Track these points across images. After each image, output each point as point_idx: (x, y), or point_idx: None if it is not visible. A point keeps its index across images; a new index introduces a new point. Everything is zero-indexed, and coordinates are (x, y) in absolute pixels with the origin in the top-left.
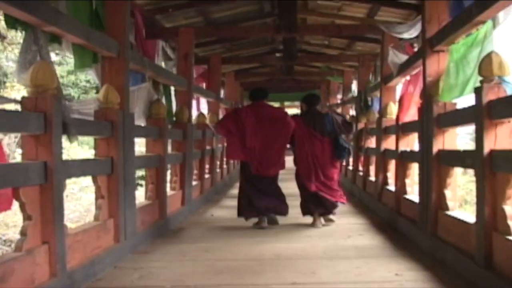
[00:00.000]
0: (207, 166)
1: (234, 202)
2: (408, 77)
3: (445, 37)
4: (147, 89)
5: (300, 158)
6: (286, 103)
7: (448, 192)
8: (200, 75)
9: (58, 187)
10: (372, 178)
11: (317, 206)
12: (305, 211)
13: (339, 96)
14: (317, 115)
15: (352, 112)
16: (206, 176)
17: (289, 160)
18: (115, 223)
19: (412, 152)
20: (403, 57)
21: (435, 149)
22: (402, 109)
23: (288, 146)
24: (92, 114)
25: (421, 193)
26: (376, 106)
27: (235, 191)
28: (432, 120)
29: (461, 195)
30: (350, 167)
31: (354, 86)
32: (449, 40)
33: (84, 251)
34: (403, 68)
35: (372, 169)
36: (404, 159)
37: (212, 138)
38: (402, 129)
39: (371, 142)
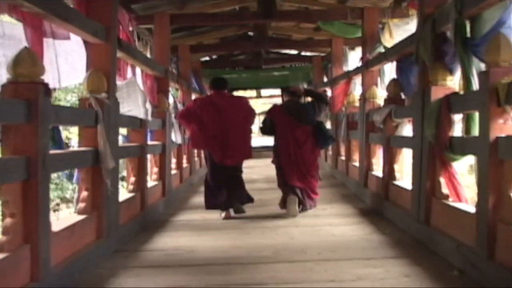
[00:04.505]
0: (132, 179)
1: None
2: None
3: None
4: None
5: (281, 147)
6: (264, 93)
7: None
8: None
9: None
10: None
11: (295, 195)
12: (284, 204)
13: (345, 68)
14: (298, 104)
15: (386, 79)
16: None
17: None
18: None
19: None
20: None
21: None
22: None
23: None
24: None
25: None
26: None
27: (186, 215)
28: None
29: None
30: (410, 181)
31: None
32: None
33: None
34: None
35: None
36: None
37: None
38: None
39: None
